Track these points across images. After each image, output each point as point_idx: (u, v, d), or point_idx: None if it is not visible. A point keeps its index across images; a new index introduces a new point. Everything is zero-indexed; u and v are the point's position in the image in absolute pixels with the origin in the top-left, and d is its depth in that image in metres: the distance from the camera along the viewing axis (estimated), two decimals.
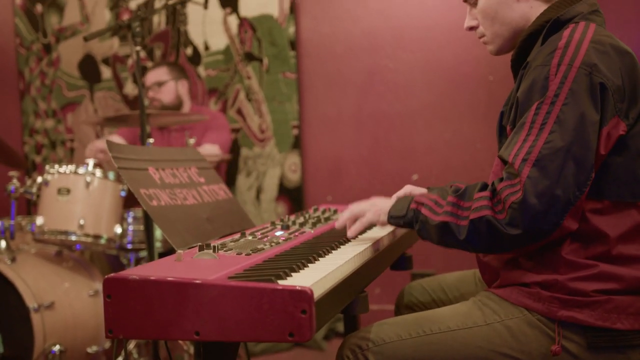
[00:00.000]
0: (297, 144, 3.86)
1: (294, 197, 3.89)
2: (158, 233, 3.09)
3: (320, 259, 1.49)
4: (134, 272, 1.25)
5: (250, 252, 1.50)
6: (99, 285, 3.09)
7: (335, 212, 2.22)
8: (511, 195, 1.38)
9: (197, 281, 1.20)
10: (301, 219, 2.00)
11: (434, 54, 3.62)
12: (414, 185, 2.09)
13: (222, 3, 3.95)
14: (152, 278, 1.22)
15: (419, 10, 3.63)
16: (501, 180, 1.43)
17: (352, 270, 1.46)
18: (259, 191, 3.94)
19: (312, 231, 1.83)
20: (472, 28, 1.74)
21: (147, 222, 2.63)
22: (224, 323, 1.19)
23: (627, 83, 1.42)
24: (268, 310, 1.17)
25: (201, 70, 4.03)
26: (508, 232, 1.38)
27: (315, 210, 2.24)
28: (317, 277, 1.28)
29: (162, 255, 3.22)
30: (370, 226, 1.83)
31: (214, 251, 1.47)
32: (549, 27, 1.53)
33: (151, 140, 2.73)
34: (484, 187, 1.48)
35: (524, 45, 1.60)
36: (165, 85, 3.60)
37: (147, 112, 2.67)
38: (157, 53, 4.12)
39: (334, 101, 3.81)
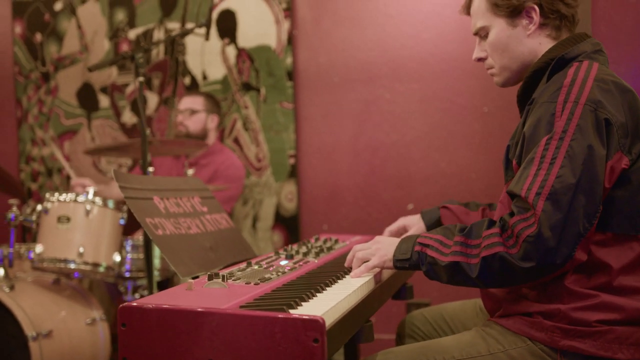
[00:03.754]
0: (294, 173, 3.90)
1: (290, 226, 3.92)
2: (156, 262, 3.11)
3: (327, 288, 1.52)
4: (148, 301, 1.28)
5: (259, 281, 1.53)
6: (96, 314, 3.09)
7: (337, 241, 2.25)
8: (526, 229, 1.41)
9: (211, 310, 1.23)
10: (304, 249, 2.03)
11: (430, 85, 3.69)
12: (407, 216, 2.14)
13: (220, 34, 4.01)
14: (167, 307, 1.25)
15: (415, 42, 3.70)
16: (512, 215, 1.46)
17: (360, 300, 1.50)
18: (255, 220, 3.97)
19: (316, 260, 1.86)
20: (480, 59, 1.79)
21: (147, 250, 2.65)
22: (237, 351, 1.21)
23: (629, 119, 1.48)
24: (280, 339, 1.19)
25: None
26: (522, 266, 1.41)
27: (317, 239, 2.27)
28: (327, 306, 1.31)
29: (160, 283, 3.23)
30: None
31: (223, 280, 1.50)
32: (554, 64, 1.59)
33: (151, 169, 2.76)
34: (491, 223, 1.51)
35: (530, 81, 1.66)
36: (196, 115, 3.67)
37: (149, 141, 2.69)
38: (156, 82, 4.17)
39: (330, 131, 3.86)
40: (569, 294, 1.48)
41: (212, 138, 3.75)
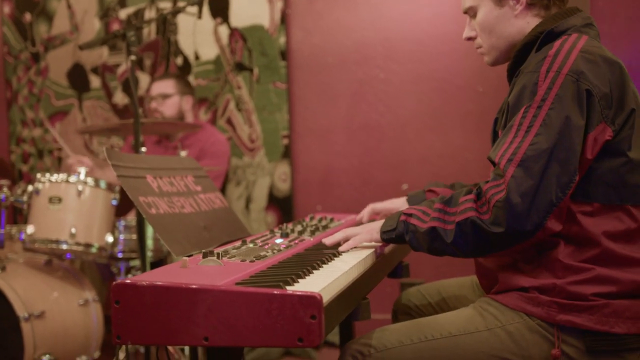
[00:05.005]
0: (287, 153, 3.87)
1: (283, 207, 3.90)
2: (150, 242, 3.09)
3: (324, 265, 1.50)
4: (142, 278, 1.26)
5: (254, 259, 1.51)
6: (88, 295, 3.07)
7: (332, 220, 2.23)
8: (496, 194, 1.43)
9: (206, 287, 1.21)
10: (299, 227, 2.01)
11: (425, 66, 3.66)
12: (395, 199, 2.14)
13: (212, 13, 3.96)
14: (161, 284, 1.22)
15: (410, 22, 3.67)
16: (487, 182, 1.48)
17: (357, 276, 1.48)
18: (248, 201, 3.95)
19: (312, 239, 1.84)
20: (470, 38, 1.78)
21: (141, 231, 2.63)
22: (233, 328, 1.19)
23: (614, 91, 1.47)
24: (277, 315, 1.18)
25: (191, 79, 4.03)
26: (492, 231, 1.42)
27: (312, 218, 2.26)
28: (324, 282, 1.30)
29: (153, 264, 3.21)
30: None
31: (217, 258, 1.48)
32: (543, 37, 1.58)
33: (144, 149, 2.73)
34: (468, 192, 1.54)
35: (519, 55, 1.65)
36: (169, 99, 3.57)
37: (141, 122, 2.66)
38: (147, 63, 4.12)
39: (324, 111, 3.83)
40: (563, 268, 1.48)
41: (189, 120, 3.67)
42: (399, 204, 2.08)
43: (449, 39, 3.60)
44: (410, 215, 1.60)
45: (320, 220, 2.21)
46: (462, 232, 1.48)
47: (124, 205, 3.34)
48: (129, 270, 3.17)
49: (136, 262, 3.15)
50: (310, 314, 1.16)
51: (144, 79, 4.14)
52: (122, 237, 3.09)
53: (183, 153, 3.11)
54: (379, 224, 1.69)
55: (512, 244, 1.45)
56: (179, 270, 1.39)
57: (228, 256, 1.54)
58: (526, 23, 1.66)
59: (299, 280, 1.33)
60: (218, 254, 1.49)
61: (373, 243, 1.70)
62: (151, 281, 1.24)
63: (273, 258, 1.55)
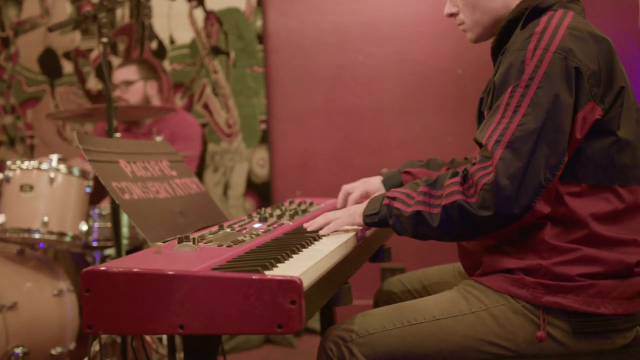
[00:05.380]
0: (265, 138, 3.81)
1: (262, 193, 3.85)
2: (125, 230, 3.02)
3: (303, 249, 1.45)
4: (113, 265, 1.20)
5: (231, 243, 1.46)
6: (63, 285, 3.00)
7: (311, 204, 2.19)
8: (483, 177, 1.39)
9: (181, 273, 1.16)
10: (278, 212, 1.96)
11: (404, 48, 3.61)
12: (368, 178, 2.09)
13: None
14: (134, 270, 1.17)
15: (389, 3, 3.62)
16: (474, 164, 1.44)
17: (338, 260, 1.44)
18: (226, 187, 3.89)
19: (291, 223, 1.79)
20: (452, 15, 1.73)
21: (115, 218, 2.57)
22: (209, 316, 1.14)
23: (603, 68, 1.43)
24: (255, 301, 1.13)
25: (166, 64, 3.95)
26: (480, 215, 1.38)
27: (291, 202, 2.21)
28: (304, 267, 1.25)
29: (129, 252, 3.14)
30: None
31: (193, 243, 1.43)
32: (528, 13, 1.54)
33: (118, 135, 2.66)
34: (454, 174, 1.49)
35: (504, 32, 1.60)
36: (133, 86, 3.47)
37: (115, 106, 2.59)
38: (121, 47, 4.03)
39: (302, 95, 3.78)
40: (549, 249, 1.44)
41: (156, 105, 3.56)
42: (373, 183, 2.04)
43: (427, 20, 3.56)
44: (393, 198, 1.55)
45: (299, 204, 2.16)
46: (449, 216, 1.43)
47: (99, 192, 3.27)
48: (104, 259, 3.10)
49: (111, 251, 3.08)
50: (290, 299, 1.12)
51: (118, 63, 4.05)
52: (96, 225, 3.02)
53: (158, 138, 3.04)
54: (361, 207, 1.64)
55: (500, 227, 1.41)
56: (153, 256, 1.33)
57: (204, 241, 1.49)
58: None
59: (278, 264, 1.28)
60: (194, 239, 1.44)
61: (355, 227, 1.66)
62: (123, 267, 1.18)
63: (251, 243, 1.50)
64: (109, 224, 3.03)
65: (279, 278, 1.12)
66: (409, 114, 3.63)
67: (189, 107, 3.91)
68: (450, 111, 3.57)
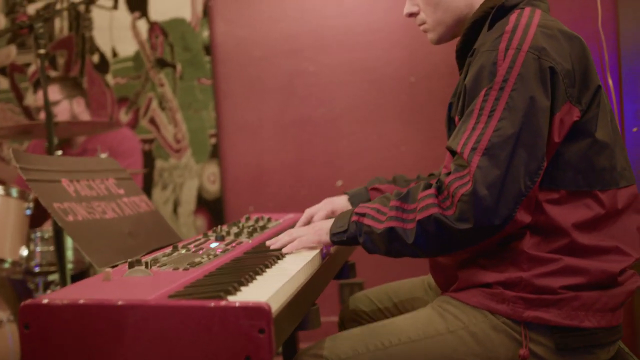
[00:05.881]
0: (216, 153, 3.68)
1: (213, 209, 3.70)
2: (69, 253, 2.85)
3: (267, 270, 1.34)
4: (57, 297, 1.07)
5: (188, 266, 1.34)
6: (2, 315, 2.80)
7: (269, 220, 2.07)
8: (460, 187, 1.30)
9: (134, 302, 1.03)
10: (235, 229, 1.84)
11: (355, 56, 3.54)
12: (332, 197, 1.96)
13: (130, 7, 3.72)
14: (80, 302, 1.04)
15: (338, 11, 3.54)
16: (448, 174, 1.35)
17: (305, 280, 1.33)
18: (176, 204, 3.73)
19: (250, 241, 1.68)
20: (412, 14, 1.64)
21: (58, 241, 2.40)
22: (168, 349, 1.02)
23: (577, 67, 1.36)
24: (219, 331, 1.01)
25: (109, 78, 3.78)
26: (458, 228, 1.29)
27: (247, 219, 2.09)
28: (270, 290, 1.14)
29: (74, 277, 2.97)
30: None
31: (146, 267, 1.30)
32: (494, 13, 1.46)
33: (59, 153, 2.50)
34: (427, 186, 1.40)
35: (469, 33, 1.52)
36: (58, 106, 3.28)
37: (55, 122, 2.43)
38: (61, 61, 3.85)
39: (253, 107, 3.66)
40: (529, 260, 1.36)
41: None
42: (339, 203, 1.91)
43: (378, 29, 3.49)
44: (363, 214, 1.45)
45: (256, 220, 2.04)
46: (425, 231, 1.34)
47: (40, 214, 3.08)
48: (47, 286, 2.92)
49: (55, 277, 2.90)
50: (258, 327, 1.00)
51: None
52: (38, 249, 2.84)
53: (103, 155, 2.88)
54: (327, 224, 1.54)
55: (480, 240, 1.32)
56: (101, 284, 1.20)
57: (158, 265, 1.36)
58: None
59: (242, 288, 1.17)
60: (146, 262, 1.31)
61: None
62: (67, 299, 1.05)
63: (209, 264, 1.38)
64: (51, 248, 2.86)
65: (245, 304, 1.01)
66: (363, 123, 3.55)
67: (134, 122, 3.75)
68: (405, 120, 3.51)
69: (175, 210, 3.72)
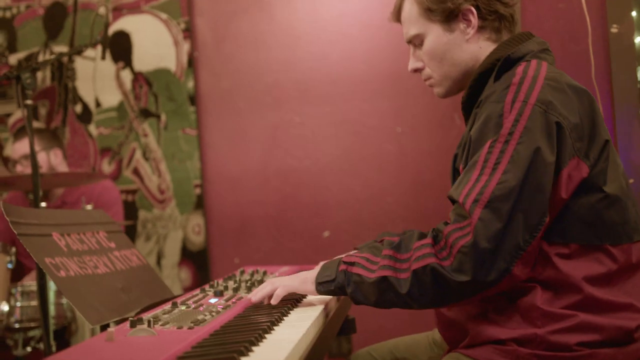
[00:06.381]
0: (200, 204, 3.63)
1: (198, 261, 3.63)
2: (51, 309, 2.76)
3: (275, 327, 1.29)
4: (64, 358, 1.01)
5: (192, 324, 1.28)
6: None
7: (265, 273, 2.03)
8: (460, 238, 1.27)
9: None
10: (232, 283, 1.79)
11: (341, 108, 3.54)
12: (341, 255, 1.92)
13: (114, 57, 3.70)
14: None
15: (323, 63, 3.55)
16: (447, 223, 1.33)
17: (315, 338, 1.28)
18: (159, 256, 3.65)
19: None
20: (417, 70, 1.63)
21: (42, 296, 2.32)
22: None
23: (585, 122, 1.36)
24: None
25: (92, 128, 3.74)
26: (455, 280, 1.27)
27: (242, 272, 2.04)
28: (284, 351, 1.09)
29: (56, 333, 2.87)
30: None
31: (149, 326, 1.24)
32: (500, 65, 1.46)
33: (43, 205, 2.44)
34: (422, 235, 1.37)
35: (475, 85, 1.52)
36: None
37: (41, 174, 2.37)
38: (42, 112, 3.80)
39: (238, 158, 3.63)
40: (543, 316, 1.33)
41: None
42: None
43: (364, 80, 3.51)
44: (352, 263, 1.41)
45: (252, 274, 1.99)
46: (420, 281, 1.31)
47: (21, 268, 3.00)
48: (27, 342, 2.82)
49: (35, 332, 2.81)
50: None
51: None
52: (19, 304, 2.74)
53: (88, 207, 2.81)
54: (312, 273, 1.50)
55: (475, 293, 1.29)
56: (105, 345, 1.14)
57: (160, 323, 1.31)
58: (479, 48, 1.54)
59: (253, 348, 1.12)
60: (149, 321, 1.26)
61: (314, 296, 1.50)
62: None
63: (213, 322, 1.32)
64: (33, 303, 2.76)
65: None
66: (349, 174, 3.54)
67: (117, 173, 3.69)
68: (391, 170, 3.50)
69: (159, 262, 3.64)
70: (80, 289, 1.64)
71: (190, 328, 1.26)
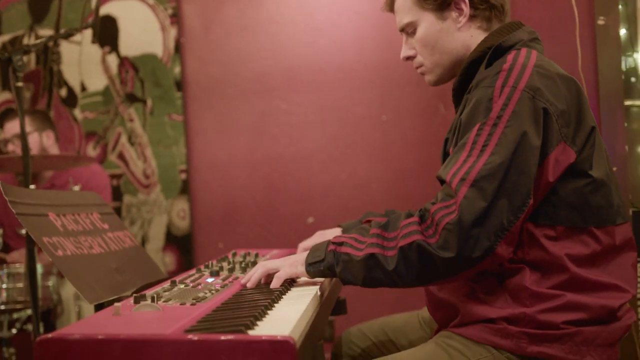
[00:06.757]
0: (186, 189, 3.64)
1: (182, 246, 3.65)
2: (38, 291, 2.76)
3: (275, 305, 1.33)
4: (74, 331, 1.04)
5: (194, 301, 1.32)
6: None
7: (257, 255, 2.06)
8: (446, 216, 1.32)
9: (156, 337, 1.01)
10: (226, 264, 1.83)
11: (327, 95, 3.58)
12: (324, 230, 1.97)
13: (100, 42, 3.69)
14: (100, 337, 1.01)
15: (311, 51, 3.58)
16: (434, 203, 1.37)
17: (314, 316, 1.32)
18: (144, 241, 3.67)
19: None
20: (409, 58, 1.67)
21: (32, 277, 2.33)
22: None
23: (572, 108, 1.41)
24: None
25: (77, 112, 3.73)
26: (441, 256, 1.31)
27: (234, 255, 2.07)
28: (289, 324, 1.13)
29: (41, 315, 2.88)
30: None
31: (152, 302, 1.28)
32: (491, 53, 1.51)
33: (32, 187, 2.44)
34: (409, 215, 1.42)
35: (467, 73, 1.56)
36: (27, 138, 3.21)
37: (31, 155, 2.37)
38: (27, 95, 3.78)
39: (224, 144, 3.65)
40: (531, 296, 1.38)
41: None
42: (332, 235, 1.91)
43: (351, 68, 3.55)
44: (340, 244, 1.45)
45: (245, 256, 2.03)
46: (406, 258, 1.35)
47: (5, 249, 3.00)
48: (12, 324, 2.83)
49: (21, 314, 2.81)
50: None
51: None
52: (4, 286, 2.75)
53: (76, 188, 2.82)
54: (302, 256, 1.53)
55: (459, 270, 1.34)
56: (113, 319, 1.17)
57: (163, 300, 1.34)
58: (470, 36, 1.58)
59: (258, 322, 1.15)
60: (152, 297, 1.29)
61: (306, 278, 1.54)
62: (86, 334, 1.02)
63: (214, 299, 1.36)
64: (18, 285, 2.77)
65: (272, 338, 1.00)
66: (334, 161, 3.58)
67: (102, 157, 3.69)
68: (376, 158, 3.54)
69: (143, 245, 3.65)
70: (77, 268, 1.66)
71: (192, 304, 1.29)
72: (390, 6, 1.69)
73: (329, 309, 1.68)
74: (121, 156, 3.70)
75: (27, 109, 3.60)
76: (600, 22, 2.74)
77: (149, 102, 3.67)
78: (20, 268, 2.75)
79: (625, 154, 2.68)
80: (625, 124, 2.69)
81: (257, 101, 3.63)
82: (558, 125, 1.37)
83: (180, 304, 1.29)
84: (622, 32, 2.74)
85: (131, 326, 1.11)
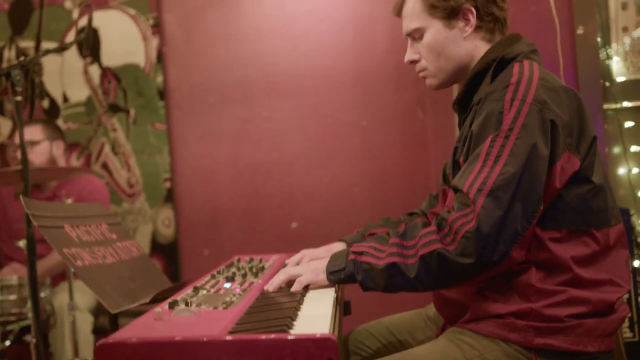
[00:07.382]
0: (170, 197, 3.69)
1: (168, 254, 3.70)
2: (30, 303, 2.79)
3: (301, 307, 1.41)
4: (129, 335, 1.11)
5: (225, 305, 1.39)
6: None
7: (261, 260, 2.13)
8: (464, 225, 1.41)
9: (206, 339, 1.09)
10: (235, 270, 1.90)
11: (308, 101, 3.66)
12: (331, 244, 2.04)
13: (82, 52, 3.72)
14: (157, 340, 1.09)
15: (291, 58, 3.67)
16: (450, 212, 1.46)
17: (337, 317, 1.41)
18: None
19: (260, 281, 1.74)
20: (413, 62, 1.76)
21: (33, 288, 2.36)
22: None
23: (574, 119, 1.51)
24: None
25: (60, 123, 3.75)
26: (460, 262, 1.41)
27: (239, 260, 2.14)
28: (324, 323, 1.21)
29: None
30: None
31: (186, 306, 1.35)
32: (495, 65, 1.60)
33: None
34: (426, 224, 1.52)
35: (471, 84, 1.65)
36: (38, 146, 3.25)
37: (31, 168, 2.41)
38: (8, 107, 3.79)
39: (207, 151, 3.71)
40: (537, 292, 1.49)
41: (61, 166, 3.38)
42: (338, 249, 1.99)
43: (330, 74, 3.64)
44: (360, 253, 1.55)
45: (249, 261, 2.10)
46: (427, 265, 1.44)
47: None
48: (5, 336, 2.84)
49: (14, 326, 2.83)
50: (327, 356, 1.08)
51: (5, 124, 3.79)
52: None
53: (69, 201, 2.85)
54: (322, 263, 1.63)
55: (478, 274, 1.44)
56: (158, 324, 1.24)
57: (195, 305, 1.41)
58: (474, 46, 1.68)
59: (294, 323, 1.24)
60: (185, 302, 1.36)
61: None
62: (142, 338, 1.09)
63: (241, 303, 1.44)
64: (12, 297, 2.79)
65: (315, 337, 1.08)
66: (316, 166, 3.67)
67: (86, 168, 3.72)
68: (357, 162, 3.64)
69: None
70: (96, 277, 1.72)
71: (224, 308, 1.37)
72: (399, 11, 1.77)
73: (342, 310, 1.77)
74: (105, 166, 3.73)
75: (40, 118, 3.63)
76: (580, 31, 2.91)
77: (132, 112, 3.71)
78: (13, 280, 2.78)
79: (605, 156, 2.85)
80: (605, 127, 2.85)
81: (239, 108, 3.70)
82: (563, 135, 1.48)
83: (213, 308, 1.37)
84: (599, 40, 2.90)
85: (179, 329, 1.18)
